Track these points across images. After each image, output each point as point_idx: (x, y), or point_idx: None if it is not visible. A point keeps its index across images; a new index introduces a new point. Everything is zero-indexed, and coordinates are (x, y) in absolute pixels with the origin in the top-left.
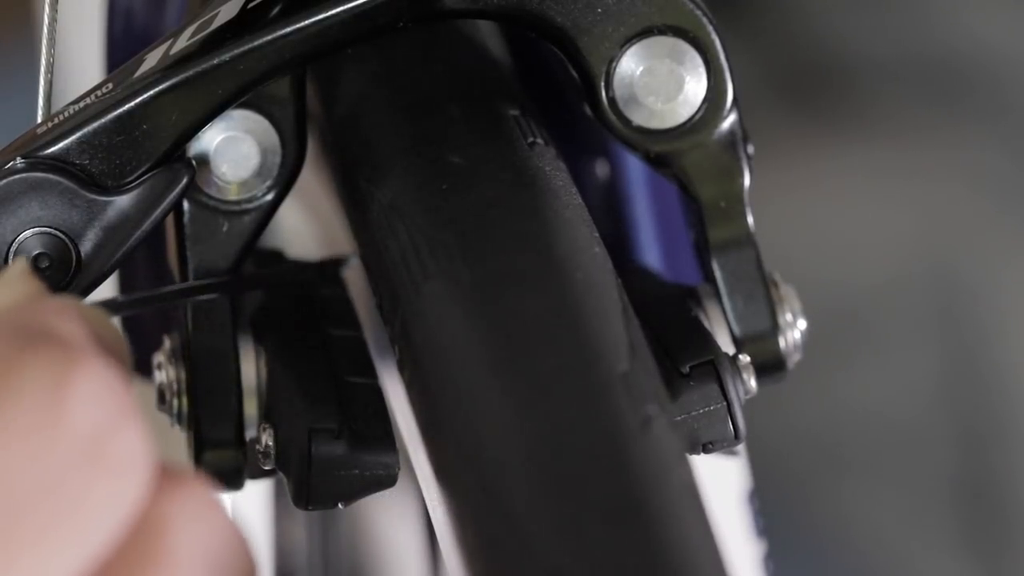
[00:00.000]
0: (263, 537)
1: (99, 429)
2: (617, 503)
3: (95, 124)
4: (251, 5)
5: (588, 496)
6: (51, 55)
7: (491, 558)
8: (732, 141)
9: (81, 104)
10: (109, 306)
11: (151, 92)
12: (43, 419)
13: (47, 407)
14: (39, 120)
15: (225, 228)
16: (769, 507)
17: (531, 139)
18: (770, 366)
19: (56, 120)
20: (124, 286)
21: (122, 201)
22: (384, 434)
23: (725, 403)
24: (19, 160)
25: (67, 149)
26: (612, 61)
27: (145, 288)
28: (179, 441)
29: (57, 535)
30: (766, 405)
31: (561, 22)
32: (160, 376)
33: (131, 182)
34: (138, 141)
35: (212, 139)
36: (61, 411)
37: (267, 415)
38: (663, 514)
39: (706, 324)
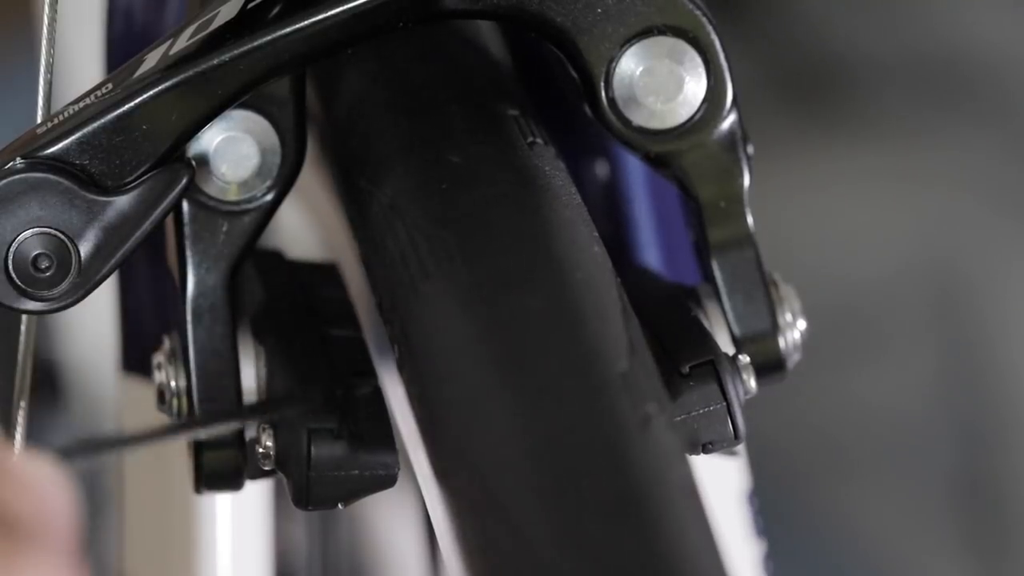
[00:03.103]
0: (263, 537)
1: None
2: (616, 501)
3: (95, 124)
4: (251, 5)
5: (587, 495)
6: (51, 55)
7: (490, 557)
8: (732, 141)
9: (81, 104)
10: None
11: (151, 92)
12: None
13: None
14: (39, 120)
15: (225, 228)
16: (769, 507)
17: (531, 139)
18: (770, 366)
19: (56, 120)
20: (124, 286)
21: (122, 201)
22: (384, 434)
23: (725, 403)
24: (19, 160)
25: (67, 149)
26: (612, 61)
27: (145, 287)
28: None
29: None
30: (766, 405)
31: (561, 22)
32: (160, 376)
33: (131, 182)
34: (138, 141)
35: (212, 139)
36: None
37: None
38: (662, 512)
39: (706, 324)
